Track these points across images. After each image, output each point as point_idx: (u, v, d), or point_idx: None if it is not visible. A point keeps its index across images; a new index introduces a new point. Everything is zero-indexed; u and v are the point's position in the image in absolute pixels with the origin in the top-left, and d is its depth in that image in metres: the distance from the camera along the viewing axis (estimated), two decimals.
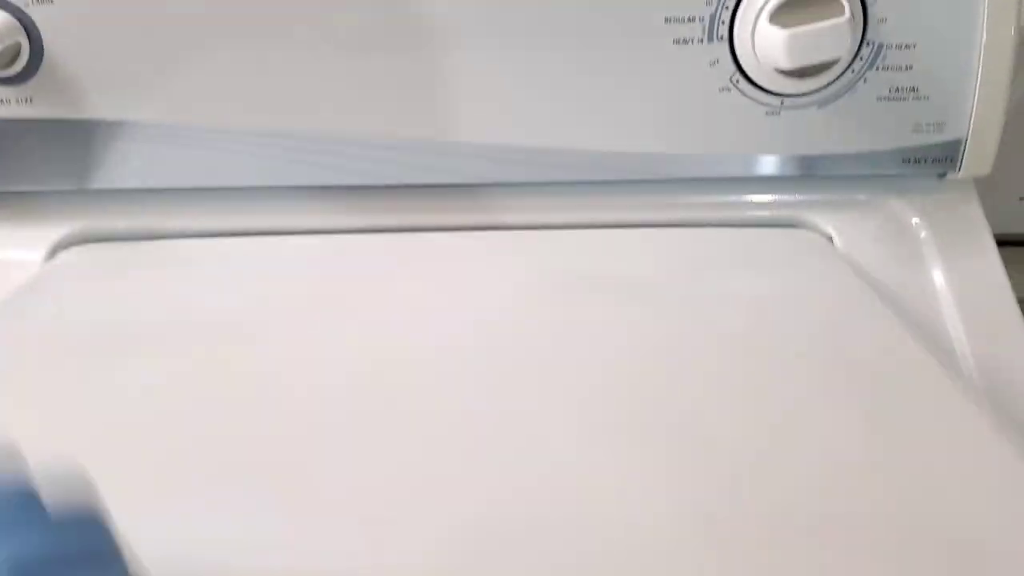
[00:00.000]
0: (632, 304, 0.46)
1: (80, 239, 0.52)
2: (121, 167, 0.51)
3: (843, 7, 0.45)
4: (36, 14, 0.47)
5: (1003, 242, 0.53)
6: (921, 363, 0.42)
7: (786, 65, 0.46)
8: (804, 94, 0.50)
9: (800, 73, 0.47)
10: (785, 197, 0.54)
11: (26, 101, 0.49)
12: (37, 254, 0.51)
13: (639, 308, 0.45)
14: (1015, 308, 0.50)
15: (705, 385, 0.40)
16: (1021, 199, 0.71)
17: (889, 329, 0.45)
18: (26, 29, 0.47)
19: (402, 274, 0.50)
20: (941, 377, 0.42)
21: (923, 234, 0.53)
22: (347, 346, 0.44)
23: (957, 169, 0.52)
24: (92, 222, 0.53)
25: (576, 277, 0.49)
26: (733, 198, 0.54)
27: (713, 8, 0.48)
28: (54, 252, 0.52)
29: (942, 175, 0.54)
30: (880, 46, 0.49)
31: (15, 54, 0.47)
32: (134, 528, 0.26)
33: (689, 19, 0.48)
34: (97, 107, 0.49)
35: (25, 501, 0.23)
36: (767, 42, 0.47)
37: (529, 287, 0.48)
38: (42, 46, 0.48)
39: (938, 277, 0.51)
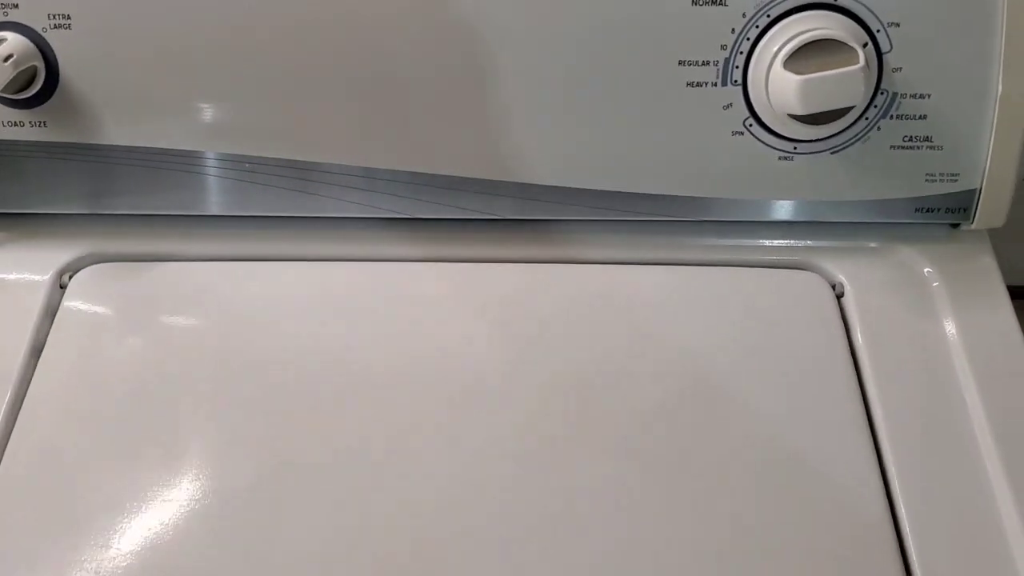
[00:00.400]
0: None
1: (88, 261, 0.52)
2: (130, 192, 0.51)
3: (858, 55, 0.45)
4: (53, 39, 0.47)
5: (1017, 294, 0.52)
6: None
7: (800, 111, 0.46)
8: (817, 140, 0.50)
9: (814, 119, 0.47)
10: (796, 242, 0.54)
11: (40, 124, 0.49)
12: (46, 275, 0.51)
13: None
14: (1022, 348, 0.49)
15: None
16: None
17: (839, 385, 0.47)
18: (43, 53, 0.47)
19: (403, 300, 0.50)
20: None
21: (935, 283, 0.52)
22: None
23: (971, 220, 0.52)
24: (100, 245, 0.53)
25: (585, 308, 0.49)
26: (743, 241, 0.54)
27: (728, 53, 0.48)
28: (62, 274, 0.51)
29: (955, 225, 0.53)
30: (894, 95, 0.49)
31: (31, 77, 0.47)
32: None
33: (703, 63, 0.48)
34: (109, 132, 0.49)
35: None
36: (781, 87, 0.47)
37: (544, 318, 0.49)
38: (58, 70, 0.48)
39: (949, 327, 0.51)
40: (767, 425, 0.47)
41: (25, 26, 0.47)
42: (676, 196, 0.51)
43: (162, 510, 0.43)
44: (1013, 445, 0.46)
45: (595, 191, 0.51)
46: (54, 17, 0.47)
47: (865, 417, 0.47)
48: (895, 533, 0.43)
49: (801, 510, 0.44)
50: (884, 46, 0.48)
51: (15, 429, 0.46)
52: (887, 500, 0.45)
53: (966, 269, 0.53)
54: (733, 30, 0.48)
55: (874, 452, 0.46)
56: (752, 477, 0.45)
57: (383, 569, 0.41)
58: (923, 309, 0.52)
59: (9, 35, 0.47)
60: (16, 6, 0.47)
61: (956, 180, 0.51)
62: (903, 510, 0.44)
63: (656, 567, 0.42)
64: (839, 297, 0.52)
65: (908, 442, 0.46)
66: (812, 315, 0.51)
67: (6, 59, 0.46)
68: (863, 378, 0.49)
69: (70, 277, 0.52)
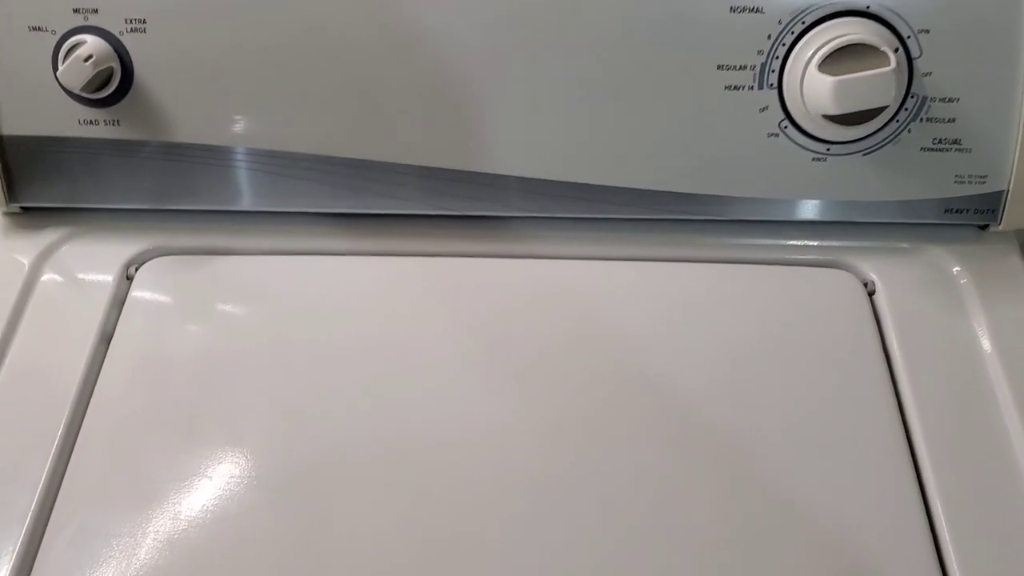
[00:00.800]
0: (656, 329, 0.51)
1: (153, 255, 0.55)
2: (193, 188, 0.54)
3: (889, 58, 0.48)
4: (129, 42, 0.51)
5: None
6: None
7: (834, 111, 0.48)
8: (850, 142, 0.52)
9: (846, 120, 0.49)
10: (828, 242, 0.56)
11: (114, 123, 0.52)
12: (114, 268, 0.54)
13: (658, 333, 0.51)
14: None
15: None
16: None
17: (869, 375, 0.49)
18: (119, 55, 0.51)
19: (451, 292, 0.53)
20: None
21: (964, 282, 0.54)
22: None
23: (998, 221, 0.54)
24: (164, 239, 0.55)
25: (629, 302, 0.52)
26: (778, 240, 0.56)
27: (764, 57, 0.51)
28: (128, 266, 0.54)
29: (983, 227, 0.55)
30: (924, 99, 0.51)
31: (107, 78, 0.50)
32: None
33: (740, 67, 0.51)
34: (177, 131, 0.52)
35: None
36: (816, 89, 0.49)
37: (581, 314, 0.51)
38: (132, 72, 0.51)
39: (978, 324, 0.52)
40: (802, 416, 0.49)
41: (104, 30, 0.50)
42: (714, 195, 0.53)
43: (223, 485, 0.45)
44: None
45: (638, 190, 0.53)
46: (130, 21, 0.50)
47: (897, 409, 0.49)
48: (929, 524, 0.44)
49: (834, 502, 0.45)
50: (914, 51, 0.50)
51: (88, 409, 0.48)
52: (920, 490, 0.46)
53: (994, 268, 0.55)
54: (769, 36, 0.50)
55: (906, 443, 0.48)
56: (787, 466, 0.47)
57: (430, 546, 0.43)
58: (953, 307, 0.53)
59: (89, 38, 0.50)
60: (96, 11, 0.50)
61: (984, 182, 0.53)
62: (937, 501, 0.46)
63: (691, 550, 0.43)
64: (871, 295, 0.54)
65: (940, 434, 0.48)
66: (845, 312, 0.53)
67: (86, 59, 0.49)
68: (895, 372, 0.51)
69: (136, 269, 0.55)
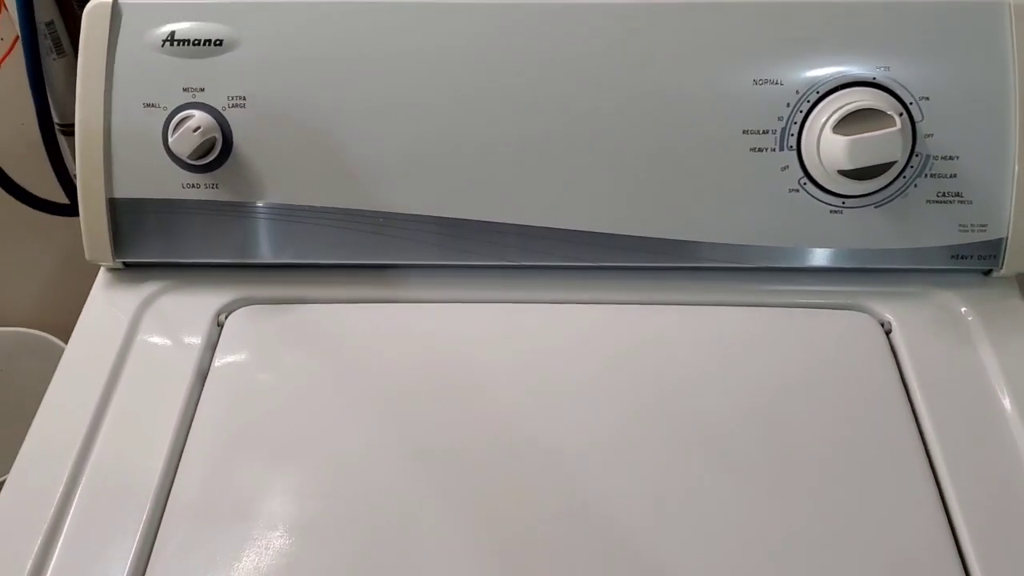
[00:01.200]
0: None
1: (241, 304, 0.61)
2: (278, 244, 0.61)
3: (895, 120, 0.55)
4: (230, 116, 0.58)
5: None
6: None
7: (848, 166, 0.55)
8: (863, 195, 0.59)
9: (859, 175, 0.56)
10: (847, 287, 0.62)
11: (212, 186, 0.59)
12: (207, 315, 0.60)
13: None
14: None
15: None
16: None
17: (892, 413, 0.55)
18: (221, 127, 0.58)
19: (522, 337, 0.59)
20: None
21: (971, 319, 0.60)
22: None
23: (1000, 265, 0.60)
24: (250, 290, 0.62)
25: (670, 343, 0.58)
26: (801, 286, 0.62)
27: (784, 123, 0.58)
28: (219, 314, 0.61)
29: (987, 272, 0.61)
30: (928, 157, 0.58)
31: (211, 147, 0.58)
32: None
33: (763, 131, 0.58)
34: (268, 193, 0.59)
35: None
36: (831, 148, 0.56)
37: (627, 352, 0.58)
38: (232, 141, 0.59)
39: (987, 356, 0.58)
40: (833, 441, 0.54)
41: (209, 105, 0.58)
42: (743, 245, 0.60)
43: (312, 504, 0.51)
44: None
45: (677, 241, 0.60)
46: (232, 99, 0.58)
47: (918, 433, 0.54)
48: (952, 532, 0.49)
49: (862, 520, 0.50)
50: (917, 116, 0.57)
51: (189, 436, 0.54)
52: (943, 504, 0.51)
53: (998, 308, 0.60)
54: (788, 104, 0.58)
55: (928, 463, 0.53)
56: (820, 484, 0.52)
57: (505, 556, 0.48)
58: (962, 342, 0.59)
59: (196, 112, 0.57)
60: (202, 90, 0.58)
61: (985, 230, 0.59)
62: (958, 512, 0.51)
63: (731, 552, 0.49)
64: (888, 333, 0.60)
65: (958, 454, 0.53)
66: (865, 350, 0.59)
67: (195, 130, 0.56)
68: (913, 400, 0.56)
69: (226, 317, 0.61)
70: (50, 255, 1.20)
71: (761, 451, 0.53)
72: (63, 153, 0.98)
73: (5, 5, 0.92)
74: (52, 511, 0.50)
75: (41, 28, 0.89)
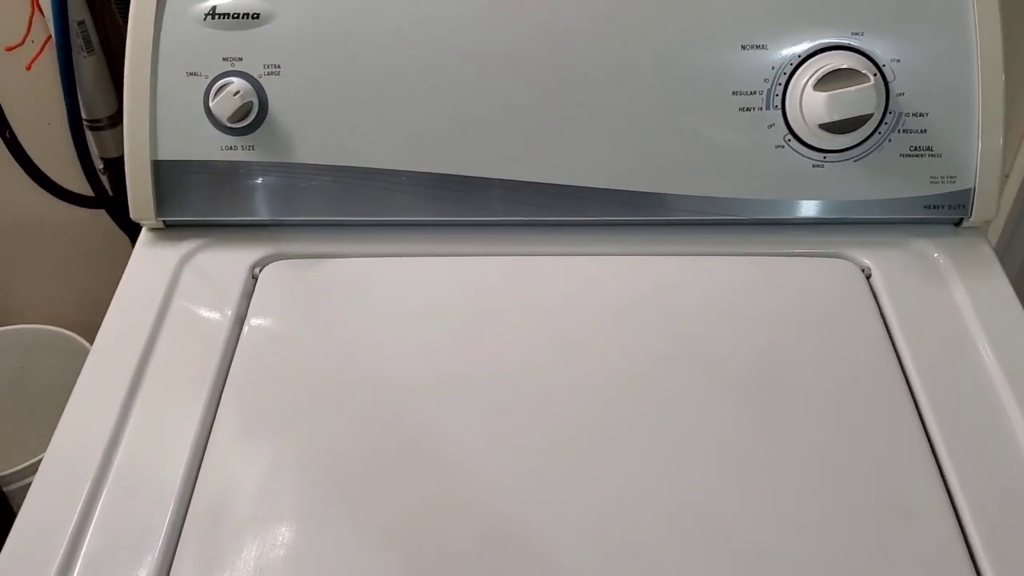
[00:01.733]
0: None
1: (273, 259, 0.67)
2: (309, 202, 0.66)
3: (869, 78, 0.61)
4: (266, 83, 0.64)
5: None
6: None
7: (827, 119, 0.61)
8: (842, 150, 0.64)
9: (838, 128, 0.62)
10: (829, 237, 0.67)
11: (249, 148, 0.65)
12: (243, 268, 0.66)
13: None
14: (1019, 310, 0.62)
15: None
16: None
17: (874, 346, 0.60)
18: (257, 93, 0.64)
19: (529, 285, 0.64)
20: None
21: (943, 264, 0.65)
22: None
23: (969, 214, 0.66)
24: (282, 246, 0.67)
25: (672, 289, 0.64)
26: (789, 237, 0.67)
27: (769, 84, 0.64)
28: (254, 268, 0.66)
29: (958, 223, 0.67)
30: (900, 114, 0.64)
31: (248, 111, 0.63)
32: None
33: (751, 92, 0.64)
34: (300, 153, 0.65)
35: None
36: (812, 104, 0.62)
37: (635, 296, 0.64)
38: (267, 106, 0.64)
39: (959, 295, 0.63)
40: (823, 370, 0.59)
41: (247, 73, 0.64)
42: (735, 198, 0.65)
43: (335, 439, 0.56)
44: (1019, 376, 0.58)
45: (674, 195, 0.65)
46: (268, 67, 0.64)
47: (899, 366, 0.60)
48: (931, 449, 0.55)
49: (849, 439, 0.55)
50: (889, 76, 0.63)
51: (228, 376, 0.59)
52: (922, 424, 0.56)
53: (968, 254, 0.66)
54: (773, 67, 0.64)
55: (907, 387, 0.58)
56: (810, 412, 0.57)
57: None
58: (936, 284, 0.65)
59: (235, 79, 0.63)
60: (240, 59, 0.64)
61: (954, 181, 0.65)
62: (935, 429, 0.56)
63: (727, 472, 0.54)
64: (868, 278, 0.65)
65: (933, 379, 0.58)
66: (848, 292, 0.65)
67: (235, 94, 0.62)
68: (892, 335, 0.61)
69: (260, 270, 0.66)
70: (72, 254, 1.25)
71: (758, 380, 0.58)
72: (89, 148, 1.04)
73: (40, 8, 0.98)
74: (102, 448, 0.55)
75: (73, 27, 0.95)
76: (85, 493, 0.52)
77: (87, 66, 0.98)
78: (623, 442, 0.55)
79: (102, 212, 1.14)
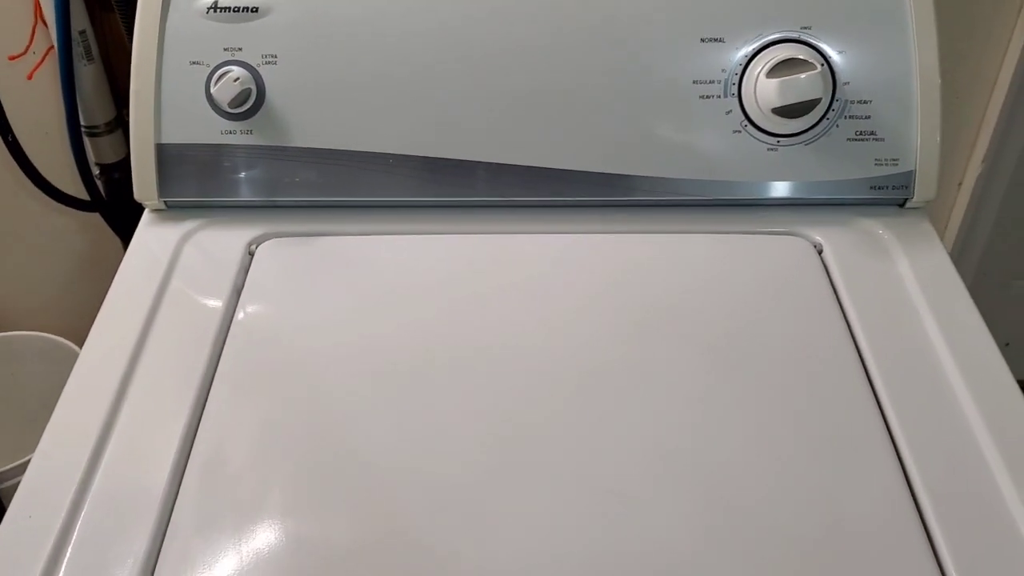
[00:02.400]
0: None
1: (269, 237, 0.71)
2: (302, 183, 0.71)
3: (816, 66, 0.67)
4: (264, 71, 0.69)
5: None
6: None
7: (779, 103, 0.67)
8: (794, 135, 0.70)
9: (789, 112, 0.68)
10: (784, 216, 0.73)
11: (247, 132, 0.70)
12: (240, 245, 0.70)
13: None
14: (959, 281, 0.68)
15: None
16: None
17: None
18: (255, 81, 0.69)
19: (511, 261, 0.69)
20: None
21: (888, 240, 0.71)
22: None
23: (912, 194, 0.71)
24: (276, 226, 0.72)
25: (639, 264, 0.69)
26: (746, 216, 0.73)
27: (727, 74, 0.70)
28: (250, 245, 0.71)
29: (902, 204, 0.73)
30: (846, 101, 0.70)
31: (246, 98, 0.69)
32: None
33: (710, 81, 0.70)
34: (295, 138, 0.70)
35: None
36: (765, 90, 0.68)
37: (611, 271, 0.69)
38: (265, 93, 0.69)
39: (903, 267, 0.69)
40: (780, 336, 0.64)
41: (246, 63, 0.69)
42: (696, 180, 0.71)
43: (327, 396, 0.60)
44: (958, 341, 0.64)
45: (640, 177, 0.71)
46: (266, 56, 0.69)
47: (848, 331, 0.65)
48: (875, 398, 0.60)
49: (801, 393, 0.60)
50: (836, 66, 0.69)
51: (227, 338, 0.64)
52: (867, 377, 0.62)
53: (911, 232, 0.72)
54: (730, 58, 0.70)
55: (856, 351, 0.64)
56: (769, 368, 0.62)
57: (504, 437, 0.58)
58: (882, 258, 0.70)
59: (235, 68, 0.68)
60: (240, 49, 0.69)
61: (897, 164, 0.71)
62: (879, 382, 0.61)
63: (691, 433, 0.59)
64: (819, 253, 0.71)
65: (880, 344, 0.63)
66: (801, 266, 0.70)
67: (235, 80, 0.67)
68: (843, 305, 0.67)
69: (256, 247, 0.71)
70: (64, 260, 1.29)
71: (724, 344, 0.63)
72: (86, 153, 1.09)
73: (43, 19, 1.03)
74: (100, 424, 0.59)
75: (75, 36, 1.00)
76: (78, 480, 0.55)
77: (87, 74, 1.04)
78: (603, 397, 0.60)
79: (93, 220, 1.19)
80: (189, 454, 0.56)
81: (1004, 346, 0.62)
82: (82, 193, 1.11)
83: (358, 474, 0.55)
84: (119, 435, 0.57)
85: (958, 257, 1.24)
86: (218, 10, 0.69)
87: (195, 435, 0.57)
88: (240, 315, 0.65)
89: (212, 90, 0.68)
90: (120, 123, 1.08)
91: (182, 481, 0.55)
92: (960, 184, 1.21)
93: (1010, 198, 1.18)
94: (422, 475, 0.55)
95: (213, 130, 0.70)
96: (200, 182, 0.71)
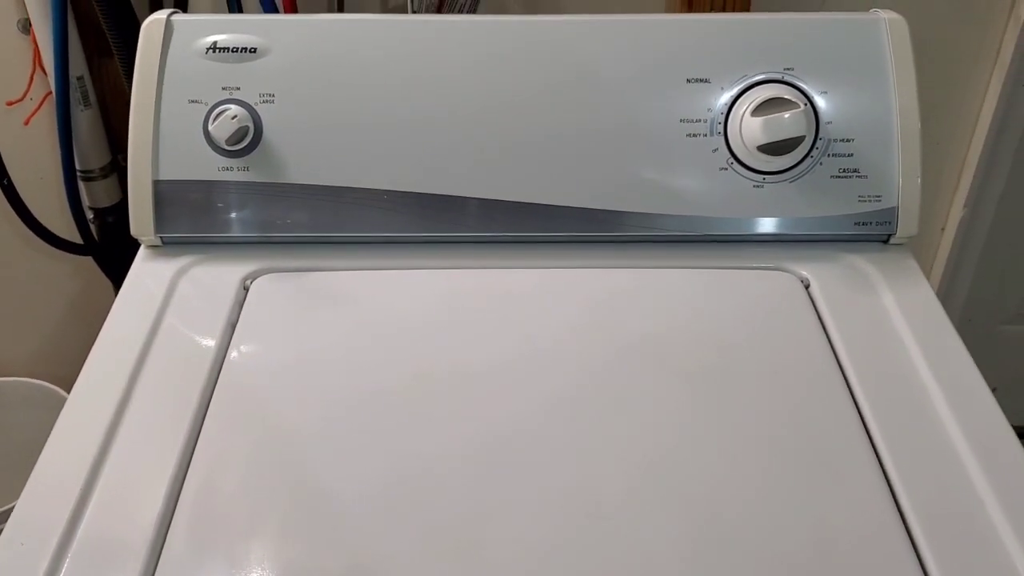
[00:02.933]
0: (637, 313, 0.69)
1: (263, 272, 0.72)
2: (298, 219, 0.72)
3: (800, 105, 0.69)
4: (261, 110, 0.71)
5: None
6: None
7: (763, 141, 0.69)
8: (780, 172, 0.72)
9: (774, 150, 0.70)
10: (771, 252, 0.74)
11: (244, 169, 0.71)
12: (235, 280, 0.71)
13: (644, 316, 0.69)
14: (943, 314, 0.69)
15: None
16: None
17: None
18: (253, 119, 0.71)
19: (501, 295, 0.70)
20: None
21: (873, 276, 0.72)
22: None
23: (895, 230, 0.73)
24: (271, 261, 0.73)
25: (627, 299, 0.70)
26: (735, 252, 0.74)
27: (713, 113, 0.72)
28: (245, 280, 0.71)
29: (885, 240, 0.74)
30: (829, 140, 0.72)
31: (244, 135, 0.70)
32: None
33: (696, 120, 0.72)
34: (291, 174, 0.71)
35: None
36: (750, 128, 0.70)
37: (598, 304, 0.70)
38: (262, 131, 0.71)
39: (888, 301, 0.70)
40: (768, 367, 0.65)
41: (243, 101, 0.70)
42: (683, 216, 0.72)
43: (320, 429, 0.61)
44: (943, 370, 0.65)
45: (630, 213, 0.72)
46: (263, 95, 0.71)
47: (836, 364, 0.66)
48: (864, 426, 0.61)
49: (792, 419, 0.61)
50: (818, 106, 0.71)
51: (221, 373, 0.64)
52: (856, 408, 0.62)
53: (895, 267, 0.73)
54: (716, 97, 0.72)
55: (844, 382, 0.64)
56: (758, 397, 0.63)
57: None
58: (867, 291, 0.72)
59: (233, 106, 0.70)
60: (239, 88, 0.70)
61: (880, 200, 0.73)
62: (868, 412, 0.62)
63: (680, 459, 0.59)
64: (807, 288, 0.72)
65: (868, 375, 0.64)
66: (789, 301, 0.71)
67: (233, 117, 0.69)
68: (831, 338, 0.68)
69: (251, 282, 0.72)
70: (56, 306, 1.29)
71: (713, 374, 0.64)
72: (81, 198, 1.10)
73: (42, 67, 1.05)
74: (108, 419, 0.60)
75: (73, 82, 1.02)
76: (63, 524, 0.54)
77: (84, 119, 1.05)
78: (592, 428, 0.60)
79: (85, 265, 1.20)
80: (178, 497, 0.56)
81: (992, 391, 0.63)
82: (76, 238, 1.12)
83: (349, 513, 0.55)
84: (106, 478, 0.57)
85: (943, 302, 1.25)
86: (217, 50, 0.71)
87: (184, 477, 0.57)
88: (233, 352, 0.66)
89: (210, 127, 0.69)
90: (115, 167, 1.10)
91: (170, 526, 0.54)
92: (943, 228, 1.23)
93: (992, 241, 1.20)
94: (414, 507, 0.55)
95: (210, 167, 0.71)
96: (196, 218, 0.72)
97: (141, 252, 0.74)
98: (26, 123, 1.10)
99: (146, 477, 0.56)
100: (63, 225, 1.13)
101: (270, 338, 0.67)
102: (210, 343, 0.66)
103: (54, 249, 1.12)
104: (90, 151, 1.08)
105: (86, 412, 0.61)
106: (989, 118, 1.09)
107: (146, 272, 0.72)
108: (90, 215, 1.12)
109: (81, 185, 1.09)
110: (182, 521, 0.54)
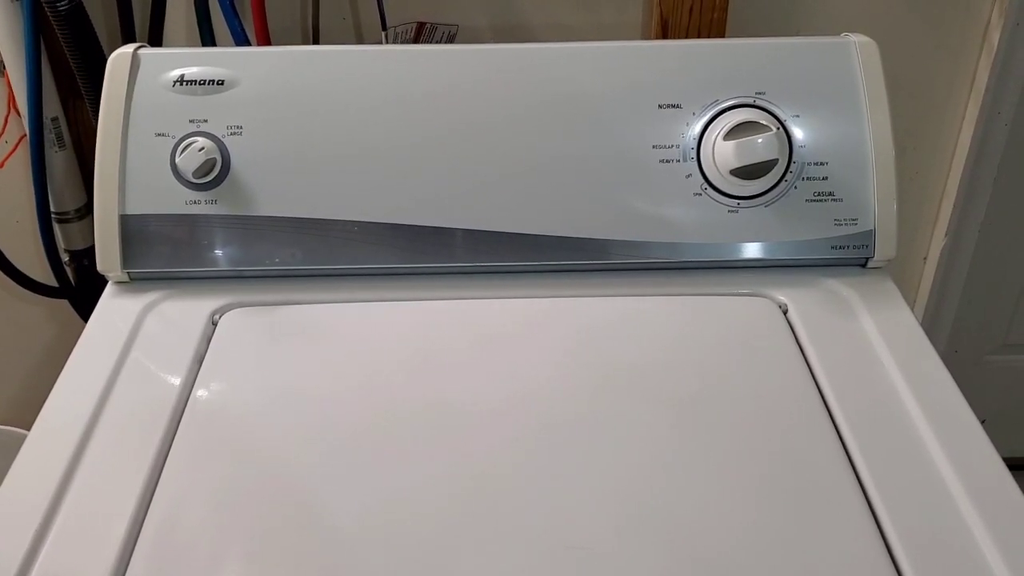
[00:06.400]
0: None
1: (232, 306, 0.71)
2: (266, 251, 0.71)
3: (772, 128, 0.68)
4: (229, 142, 0.70)
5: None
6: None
7: (736, 164, 0.68)
8: (754, 196, 0.71)
9: (747, 174, 0.69)
10: (748, 277, 0.73)
11: (212, 202, 0.70)
12: (203, 315, 0.70)
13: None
14: (923, 336, 0.68)
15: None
16: None
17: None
18: (220, 152, 0.70)
19: (477, 327, 0.69)
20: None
21: (852, 300, 0.71)
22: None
23: (872, 253, 0.72)
24: (239, 296, 0.72)
25: (607, 327, 0.69)
26: (712, 278, 0.73)
27: (685, 138, 0.71)
28: (214, 314, 0.70)
29: (863, 264, 0.74)
30: (803, 163, 0.71)
31: (212, 167, 0.69)
32: None
33: (669, 146, 0.71)
34: (259, 207, 0.70)
35: None
36: (723, 153, 0.69)
37: (582, 332, 0.69)
38: (229, 163, 0.70)
39: (867, 325, 0.69)
40: (748, 390, 0.64)
41: (211, 134, 0.70)
42: (660, 242, 0.72)
43: (287, 467, 0.59)
44: (924, 393, 0.63)
45: (607, 240, 0.71)
46: (231, 127, 0.70)
47: (816, 387, 0.65)
48: (844, 450, 0.59)
49: (772, 441, 0.60)
50: (791, 129, 0.71)
51: (186, 408, 0.62)
52: (837, 433, 0.61)
53: (874, 290, 0.72)
54: (687, 123, 0.71)
55: (823, 404, 0.63)
56: (738, 421, 0.62)
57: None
58: (846, 316, 0.71)
59: (200, 138, 0.69)
60: (206, 121, 0.70)
61: (856, 223, 0.72)
62: (849, 437, 0.61)
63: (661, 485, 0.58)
64: (785, 313, 0.71)
65: (846, 396, 0.63)
66: (768, 326, 0.70)
67: (200, 149, 0.68)
68: (810, 363, 0.67)
69: (219, 316, 0.70)
70: (28, 351, 1.27)
71: (693, 400, 0.63)
72: (56, 240, 1.09)
73: (17, 109, 1.04)
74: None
75: (47, 123, 1.01)
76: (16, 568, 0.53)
77: (58, 160, 1.04)
78: (573, 458, 0.59)
79: (60, 309, 1.18)
80: (138, 535, 0.54)
81: (980, 423, 0.62)
82: (51, 281, 1.11)
83: (315, 552, 0.53)
84: (65, 515, 0.55)
85: (928, 333, 1.24)
86: (184, 83, 0.70)
87: (145, 514, 0.55)
88: (200, 387, 0.64)
89: (177, 160, 0.68)
90: (90, 209, 1.09)
91: (129, 562, 0.52)
92: (925, 258, 1.23)
93: (975, 270, 1.20)
94: (386, 546, 0.53)
95: (178, 200, 0.70)
96: (164, 253, 0.71)
97: (108, 288, 0.72)
98: (0, 165, 1.09)
99: (106, 514, 0.55)
100: (39, 269, 1.12)
101: (237, 373, 0.65)
102: (176, 379, 0.64)
103: (29, 293, 1.10)
104: (65, 192, 1.07)
105: (45, 449, 0.59)
106: (967, 146, 1.09)
107: (113, 308, 0.71)
108: (65, 258, 1.10)
109: (56, 227, 1.08)
110: (141, 559, 0.52)
